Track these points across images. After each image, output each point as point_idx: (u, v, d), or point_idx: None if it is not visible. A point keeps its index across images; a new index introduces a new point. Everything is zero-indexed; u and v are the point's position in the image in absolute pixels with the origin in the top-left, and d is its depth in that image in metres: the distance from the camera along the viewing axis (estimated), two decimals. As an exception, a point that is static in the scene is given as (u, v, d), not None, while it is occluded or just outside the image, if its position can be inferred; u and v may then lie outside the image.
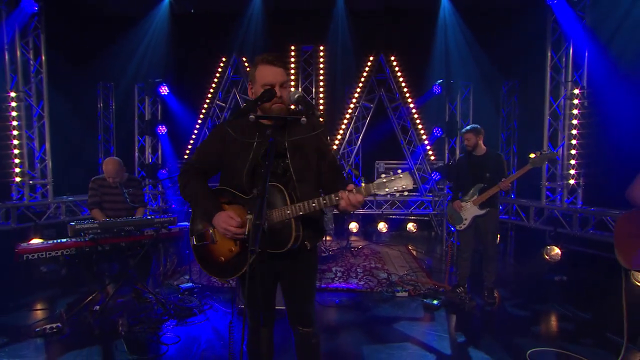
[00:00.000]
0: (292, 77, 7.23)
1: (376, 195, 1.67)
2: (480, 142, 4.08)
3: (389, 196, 6.91)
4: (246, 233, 1.37)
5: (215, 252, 1.88)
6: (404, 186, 1.63)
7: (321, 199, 1.70)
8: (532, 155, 3.77)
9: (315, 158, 1.91)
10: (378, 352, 3.05)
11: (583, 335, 3.42)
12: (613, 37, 5.25)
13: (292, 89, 1.79)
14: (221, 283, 4.53)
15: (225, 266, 1.85)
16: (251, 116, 1.64)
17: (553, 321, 3.80)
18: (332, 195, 1.69)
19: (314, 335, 2.01)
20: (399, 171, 1.67)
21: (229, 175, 1.91)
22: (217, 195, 1.89)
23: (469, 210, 4.04)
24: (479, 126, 4.13)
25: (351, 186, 1.69)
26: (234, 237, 1.75)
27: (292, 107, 1.86)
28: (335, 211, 1.76)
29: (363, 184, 1.69)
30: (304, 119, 1.70)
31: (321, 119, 2.13)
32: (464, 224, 4.09)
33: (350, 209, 1.69)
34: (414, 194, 7.37)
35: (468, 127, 4.16)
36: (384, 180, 1.65)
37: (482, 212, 4.00)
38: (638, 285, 4.54)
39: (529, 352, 3.04)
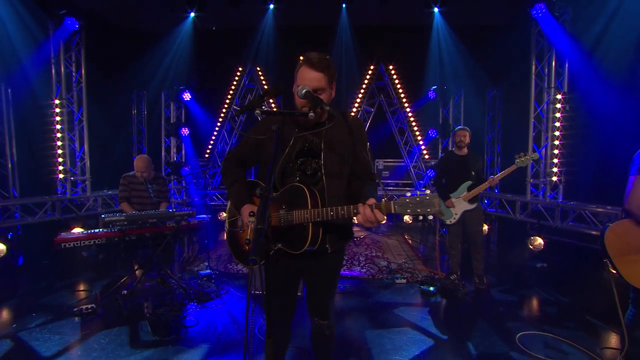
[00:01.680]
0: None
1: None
2: None
3: (386, 191, 6.73)
4: (247, 238, 1.18)
5: (241, 240, 1.74)
6: (429, 210, 1.30)
7: (339, 209, 1.45)
8: (517, 157, 3.61)
9: (350, 160, 1.67)
10: (380, 337, 2.87)
11: (565, 318, 3.24)
12: (593, 47, 5.07)
13: (301, 85, 1.54)
14: (236, 270, 4.39)
15: (246, 254, 1.72)
16: (257, 111, 1.41)
17: (538, 305, 3.61)
18: (352, 207, 1.44)
19: (328, 327, 1.82)
20: (427, 191, 1.34)
21: (265, 169, 1.73)
22: (251, 187, 1.71)
23: (459, 205, 3.84)
24: None
25: (372, 200, 1.42)
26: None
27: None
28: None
29: (384, 200, 1.36)
30: (311, 114, 1.44)
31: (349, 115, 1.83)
32: (454, 219, 3.88)
33: (367, 225, 1.42)
34: (410, 189, 7.15)
35: (463, 127, 3.97)
36: (408, 200, 1.33)
37: (472, 206, 3.82)
38: (614, 273, 4.32)
39: (518, 335, 2.86)
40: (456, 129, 4.01)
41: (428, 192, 1.34)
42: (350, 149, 1.66)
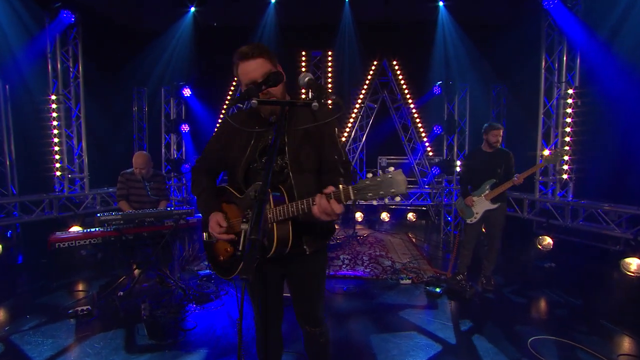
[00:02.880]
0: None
1: (358, 202, 1.18)
2: None
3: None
4: (240, 248, 1.06)
5: (216, 251, 1.62)
6: (393, 191, 1.11)
7: (299, 203, 1.30)
8: (545, 153, 3.38)
9: (320, 153, 1.52)
10: (386, 341, 2.75)
11: (577, 322, 3.11)
12: (608, 39, 4.87)
13: (303, 73, 1.39)
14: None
15: (223, 265, 1.58)
16: (253, 101, 1.27)
17: (548, 308, 3.47)
18: (310, 199, 1.28)
19: (321, 334, 1.69)
20: (391, 169, 1.15)
21: (230, 172, 1.61)
22: (219, 194, 1.59)
23: (481, 204, 3.66)
24: None
25: (330, 188, 1.24)
26: (222, 241, 1.48)
27: (303, 94, 1.52)
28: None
29: (341, 187, 1.20)
30: (315, 104, 1.27)
31: (327, 103, 1.66)
32: (475, 218, 3.71)
33: (324, 217, 1.24)
34: (414, 186, 7.00)
35: (498, 124, 3.66)
36: (368, 182, 1.14)
37: (494, 206, 3.63)
38: (629, 275, 4.18)
39: (529, 340, 2.74)
40: (491, 126, 3.67)
41: (392, 169, 1.16)
42: (317, 140, 1.50)
